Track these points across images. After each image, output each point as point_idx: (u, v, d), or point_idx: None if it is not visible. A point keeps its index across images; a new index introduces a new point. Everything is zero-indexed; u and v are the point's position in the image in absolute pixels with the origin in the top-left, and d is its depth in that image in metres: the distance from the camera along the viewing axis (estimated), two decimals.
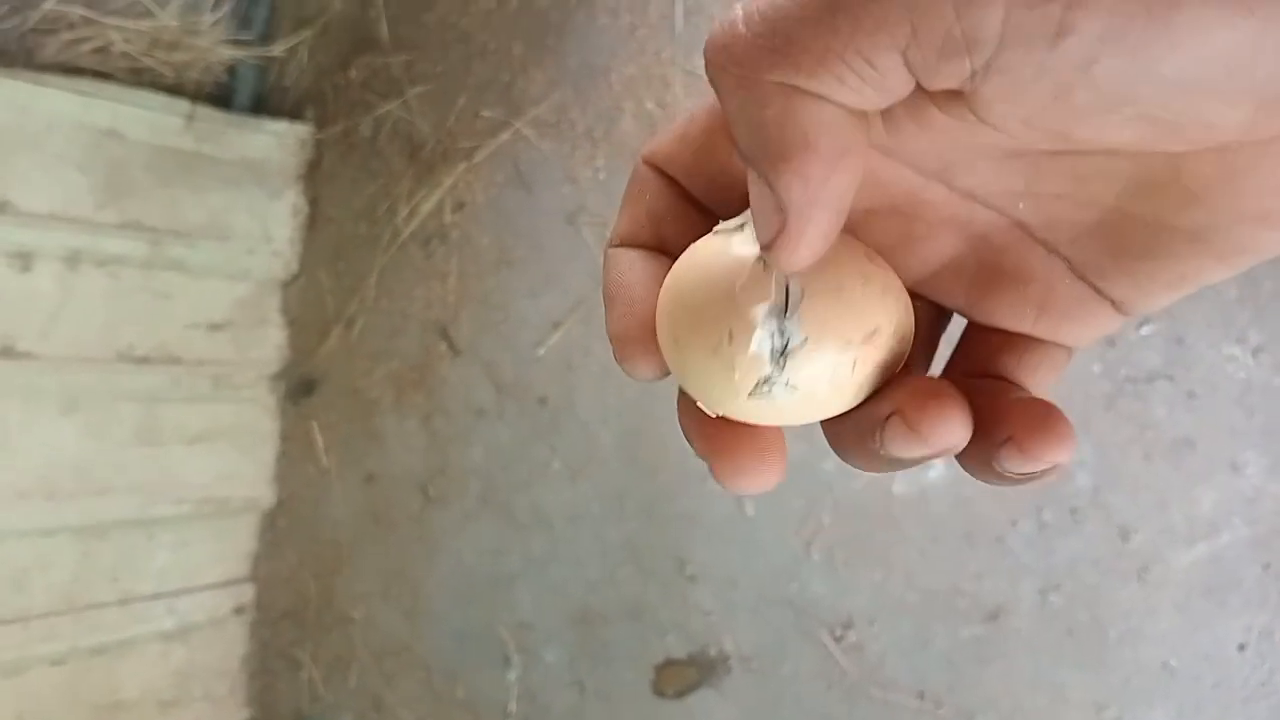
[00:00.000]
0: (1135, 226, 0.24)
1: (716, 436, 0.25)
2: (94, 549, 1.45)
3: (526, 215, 1.46)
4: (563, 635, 1.40)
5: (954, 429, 0.22)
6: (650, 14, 1.40)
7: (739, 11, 0.20)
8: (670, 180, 0.28)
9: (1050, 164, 0.23)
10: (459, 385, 1.49)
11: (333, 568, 1.58)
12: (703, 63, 0.21)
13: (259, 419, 1.63)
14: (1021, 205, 0.25)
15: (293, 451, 1.63)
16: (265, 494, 1.63)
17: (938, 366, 0.28)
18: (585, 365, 1.41)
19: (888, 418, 0.23)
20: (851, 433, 0.24)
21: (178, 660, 1.55)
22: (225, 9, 1.60)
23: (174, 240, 1.49)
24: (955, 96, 0.20)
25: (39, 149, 1.36)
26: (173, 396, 1.51)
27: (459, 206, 1.51)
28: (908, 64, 0.19)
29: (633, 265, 0.27)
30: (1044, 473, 0.23)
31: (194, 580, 1.56)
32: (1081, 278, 0.25)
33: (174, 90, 1.54)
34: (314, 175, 1.65)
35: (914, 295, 0.27)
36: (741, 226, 0.25)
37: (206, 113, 1.54)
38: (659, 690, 1.33)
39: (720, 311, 0.24)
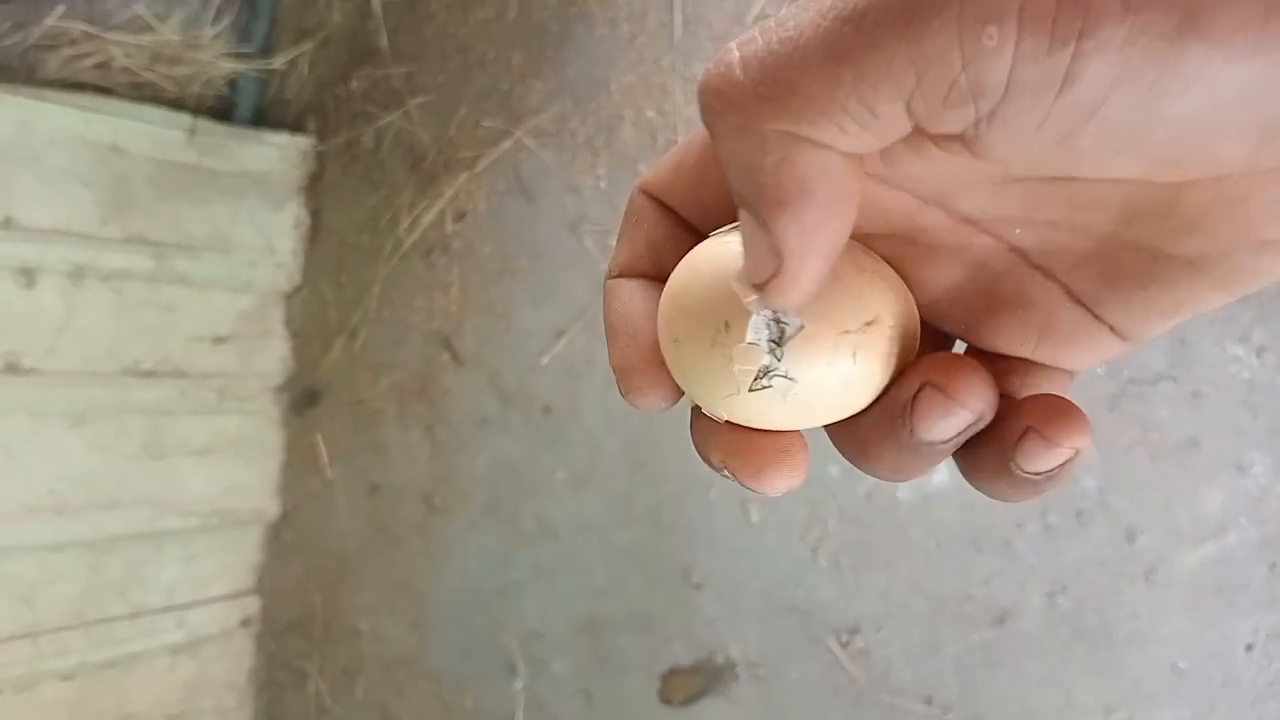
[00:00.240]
0: (1132, 254, 0.23)
1: (734, 440, 0.25)
2: (102, 563, 1.45)
3: (528, 224, 1.46)
4: (569, 644, 1.40)
5: (985, 391, 0.22)
6: (649, 22, 1.40)
7: (735, 55, 0.20)
8: (667, 209, 0.28)
9: (1047, 190, 0.23)
10: (462, 395, 1.49)
11: (338, 579, 1.58)
12: (702, 70, 0.21)
13: (263, 431, 1.63)
14: (1018, 231, 0.25)
15: (297, 463, 1.64)
16: (270, 506, 1.63)
17: None
18: (589, 374, 1.41)
19: (918, 391, 0.23)
20: (876, 425, 0.24)
21: (186, 673, 1.55)
22: (226, 22, 1.61)
23: (177, 254, 1.50)
24: (956, 137, 0.20)
25: (42, 165, 1.37)
26: (178, 410, 1.51)
27: (461, 216, 1.51)
28: (910, 112, 0.19)
29: (634, 295, 0.27)
30: (1060, 468, 0.23)
31: (201, 593, 1.57)
32: (1079, 304, 0.25)
33: (176, 104, 1.55)
34: (316, 187, 1.66)
35: None
36: (736, 227, 0.25)
37: (208, 126, 1.54)
38: (666, 698, 1.33)
39: (716, 304, 0.24)
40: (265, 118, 1.69)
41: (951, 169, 0.21)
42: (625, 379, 0.26)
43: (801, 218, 0.20)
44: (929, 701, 1.19)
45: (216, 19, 1.59)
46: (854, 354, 0.24)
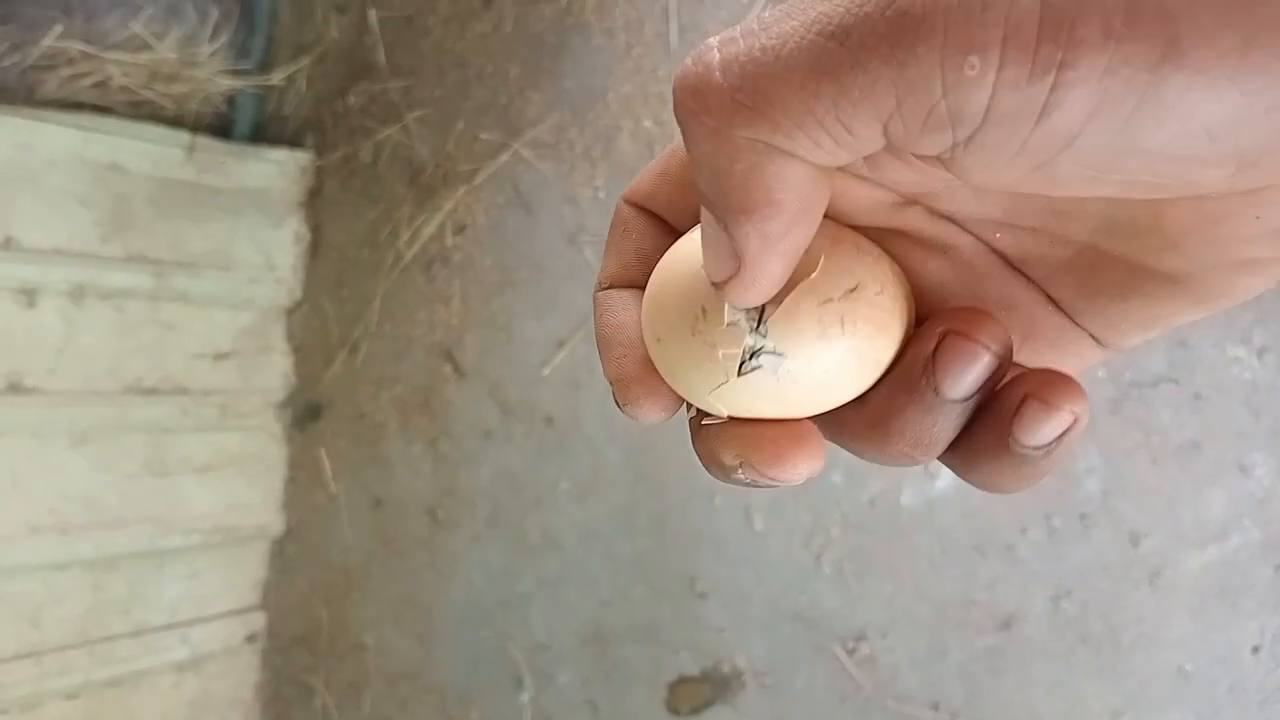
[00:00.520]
0: (1111, 265, 0.24)
1: (746, 433, 0.24)
2: (105, 581, 1.45)
3: (528, 236, 1.46)
4: (575, 655, 1.40)
5: (1003, 333, 0.22)
6: (645, 32, 1.40)
7: (715, 56, 0.19)
8: (654, 217, 0.28)
9: (1028, 197, 0.23)
10: (465, 407, 1.50)
11: (343, 593, 1.58)
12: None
13: (266, 447, 1.63)
14: (999, 235, 0.25)
15: (300, 478, 1.64)
16: (274, 521, 1.63)
17: None
18: (590, 384, 1.41)
19: (939, 342, 0.23)
20: (895, 391, 0.24)
21: (191, 690, 1.55)
22: (223, 40, 1.61)
23: (178, 271, 1.50)
24: (933, 157, 0.20)
25: (41, 185, 1.37)
26: (181, 427, 1.51)
27: (460, 229, 1.52)
28: (887, 133, 0.19)
29: (626, 305, 0.27)
30: (1058, 441, 0.22)
31: (206, 610, 1.57)
32: (1059, 311, 0.25)
33: (174, 122, 1.55)
34: (315, 202, 1.66)
35: None
36: None
37: (207, 143, 1.55)
38: (673, 708, 1.33)
39: (691, 293, 0.24)
40: (264, 134, 1.69)
41: (931, 173, 0.21)
42: (622, 390, 0.26)
43: (764, 226, 0.20)
44: (935, 707, 1.19)
45: (214, 36, 1.60)
46: (841, 322, 0.23)
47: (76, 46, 1.44)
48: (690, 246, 0.25)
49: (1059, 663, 1.14)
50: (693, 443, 0.26)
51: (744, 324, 0.23)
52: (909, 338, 0.24)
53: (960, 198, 0.24)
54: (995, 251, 0.25)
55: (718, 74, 0.19)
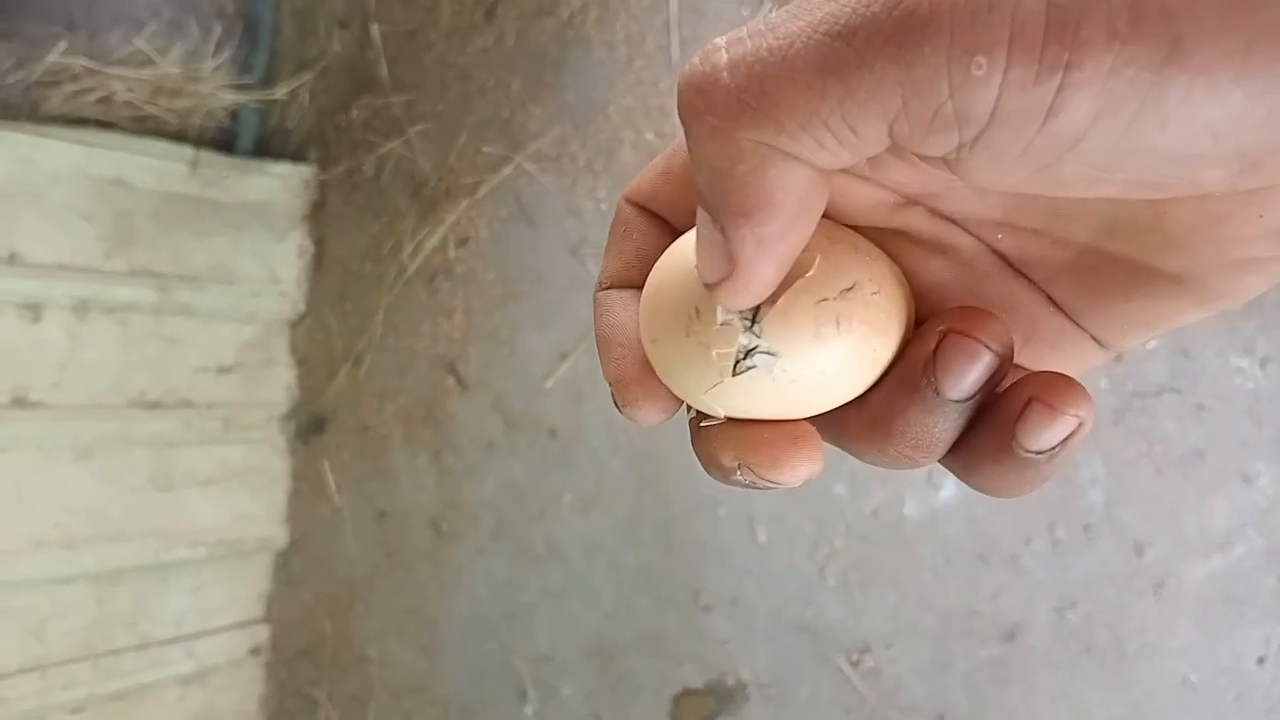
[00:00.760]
0: (1113, 266, 0.24)
1: (743, 434, 0.24)
2: (110, 595, 1.45)
3: (530, 249, 1.47)
4: (579, 668, 1.40)
5: (1004, 332, 0.22)
6: (647, 45, 1.41)
7: (723, 56, 0.19)
8: (655, 217, 0.28)
9: (1030, 198, 0.23)
10: (468, 420, 1.50)
11: (347, 606, 1.58)
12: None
13: (270, 459, 1.63)
14: (1000, 236, 0.25)
15: (304, 491, 1.64)
16: (278, 534, 1.63)
17: None
18: (594, 395, 1.41)
19: (939, 341, 0.22)
20: (895, 391, 0.23)
21: (196, 703, 1.55)
22: (226, 55, 1.62)
23: (181, 285, 1.51)
24: (937, 158, 0.20)
25: (45, 200, 1.37)
26: (184, 440, 1.52)
27: (463, 242, 1.52)
28: (893, 134, 0.19)
29: (626, 306, 0.27)
30: (1061, 446, 0.22)
31: (210, 623, 1.57)
32: (1061, 312, 0.25)
33: (177, 137, 1.56)
34: (318, 216, 1.67)
35: None
36: None
37: (210, 158, 1.55)
38: None
39: (685, 293, 0.24)
40: (267, 148, 1.70)
41: (933, 173, 0.21)
42: (621, 391, 0.26)
43: (760, 230, 0.20)
44: (941, 719, 1.19)
45: (217, 51, 1.61)
46: (837, 321, 0.23)
47: (80, 63, 1.45)
48: (686, 247, 0.25)
49: (1064, 673, 1.14)
50: (692, 444, 0.26)
51: (737, 323, 0.23)
52: (908, 338, 0.24)
53: (961, 198, 0.24)
54: (996, 252, 0.25)
55: (725, 74, 0.19)
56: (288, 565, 1.64)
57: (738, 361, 0.23)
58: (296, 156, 1.68)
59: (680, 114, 0.20)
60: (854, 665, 1.24)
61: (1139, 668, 1.11)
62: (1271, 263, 0.21)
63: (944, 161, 0.20)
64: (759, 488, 0.24)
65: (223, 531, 1.56)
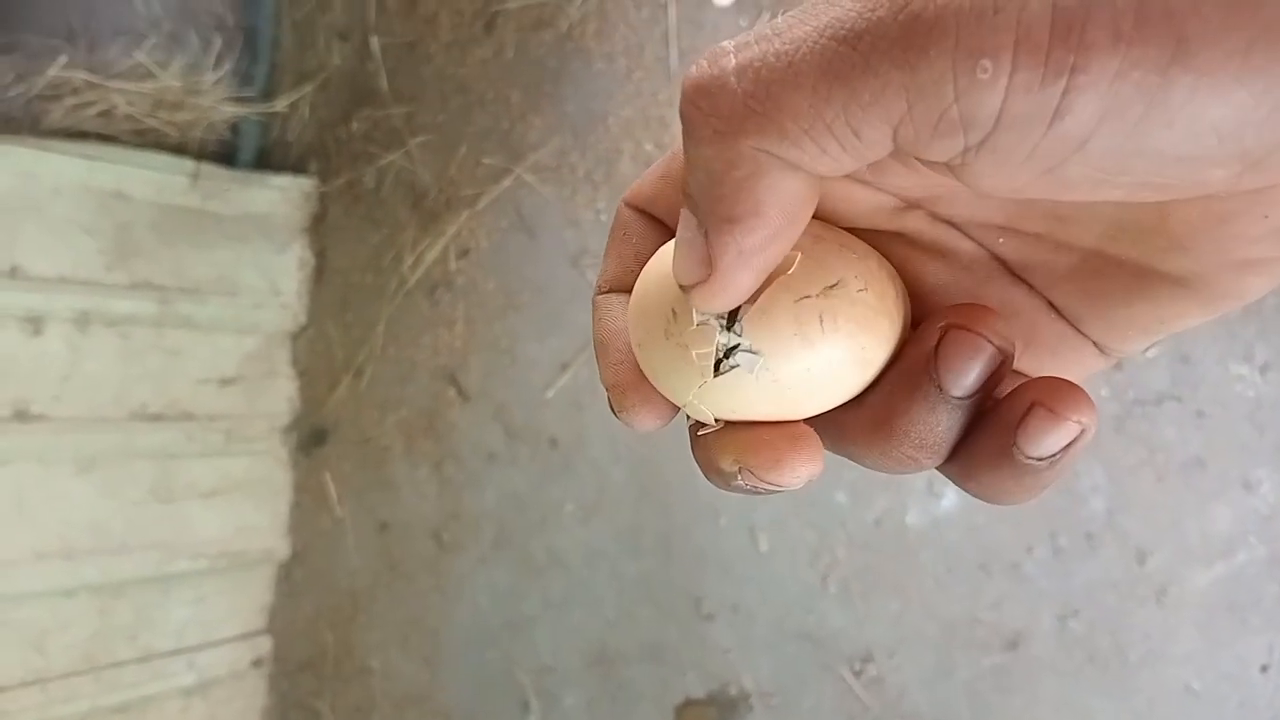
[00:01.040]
0: (1115, 270, 0.23)
1: (742, 437, 0.24)
2: (112, 607, 1.45)
3: (530, 259, 1.47)
4: (581, 677, 1.40)
5: (1005, 328, 0.22)
6: (645, 56, 1.41)
7: (731, 60, 0.19)
8: (655, 221, 0.27)
9: (1032, 203, 0.23)
10: (469, 430, 1.50)
11: (349, 617, 1.58)
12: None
13: (272, 471, 1.63)
14: (1001, 241, 0.24)
15: (306, 502, 1.64)
16: (280, 546, 1.63)
17: None
18: (594, 405, 1.41)
19: (942, 335, 0.22)
20: (896, 391, 0.23)
21: (198, 716, 1.55)
22: (226, 67, 1.62)
23: (182, 298, 1.51)
24: (941, 164, 0.20)
25: (46, 214, 1.38)
26: (186, 452, 1.52)
27: (463, 253, 1.52)
28: (897, 138, 0.19)
29: (624, 310, 0.26)
30: (1062, 453, 0.22)
31: (212, 635, 1.56)
32: (1062, 318, 0.25)
33: (178, 149, 1.56)
34: (319, 228, 1.67)
35: None
36: None
37: (211, 170, 1.55)
38: None
39: (661, 295, 0.24)
40: (267, 160, 1.70)
41: (934, 178, 0.21)
42: (617, 397, 0.25)
43: (744, 239, 0.20)
44: None
45: (217, 64, 1.61)
46: (820, 319, 0.23)
47: (81, 76, 1.45)
48: (666, 252, 0.24)
49: (1066, 681, 1.14)
50: (692, 451, 0.26)
51: (714, 323, 0.23)
52: (904, 338, 0.24)
53: (962, 203, 0.24)
54: (997, 257, 0.25)
55: (732, 79, 0.19)
56: (290, 577, 1.64)
57: (719, 361, 0.23)
58: (297, 169, 1.68)
59: (683, 115, 0.20)
60: (856, 674, 1.24)
61: (1142, 676, 1.11)
62: (1274, 263, 0.21)
63: (948, 167, 0.20)
64: (760, 492, 0.24)
65: (225, 543, 1.56)
